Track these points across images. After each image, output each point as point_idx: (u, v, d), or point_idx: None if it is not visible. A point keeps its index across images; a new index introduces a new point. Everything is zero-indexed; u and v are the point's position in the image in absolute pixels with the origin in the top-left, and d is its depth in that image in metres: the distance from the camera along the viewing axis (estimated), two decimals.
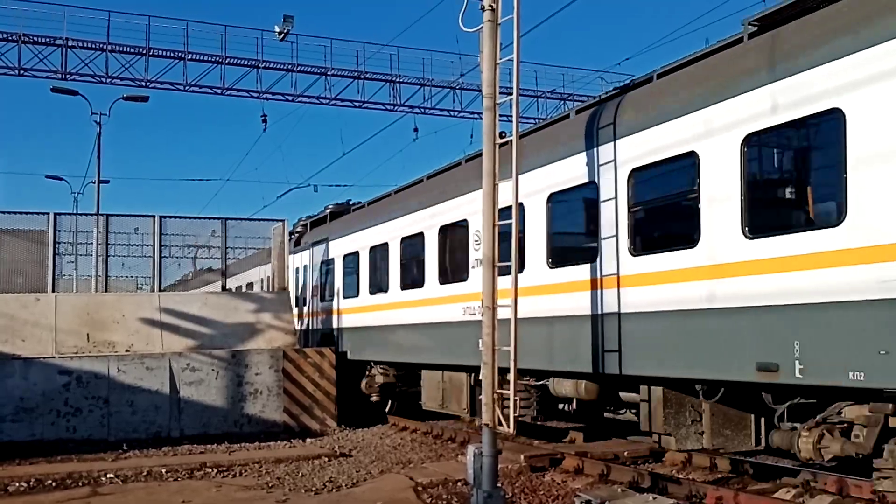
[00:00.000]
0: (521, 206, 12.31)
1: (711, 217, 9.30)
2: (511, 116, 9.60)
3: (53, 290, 18.26)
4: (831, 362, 7.73)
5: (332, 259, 21.01)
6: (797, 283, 8.09)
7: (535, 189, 12.31)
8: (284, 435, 16.45)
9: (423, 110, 30.97)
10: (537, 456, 12.57)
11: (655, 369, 9.97)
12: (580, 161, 11.58)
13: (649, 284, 10.08)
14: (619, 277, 10.59)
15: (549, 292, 12.01)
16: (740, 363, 8.70)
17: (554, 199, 12.18)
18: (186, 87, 28.45)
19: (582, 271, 11.31)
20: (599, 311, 10.92)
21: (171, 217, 19.60)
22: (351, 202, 22.42)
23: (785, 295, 8.21)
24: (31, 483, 11.64)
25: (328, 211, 22.49)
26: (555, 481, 11.31)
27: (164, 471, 12.53)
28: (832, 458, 8.25)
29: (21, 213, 18.80)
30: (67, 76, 27.50)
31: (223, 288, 20.45)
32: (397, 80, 30.29)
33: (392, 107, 30.52)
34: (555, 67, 32.95)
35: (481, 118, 9.61)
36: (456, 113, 31.29)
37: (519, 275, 9.46)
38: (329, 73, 29.47)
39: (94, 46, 27.15)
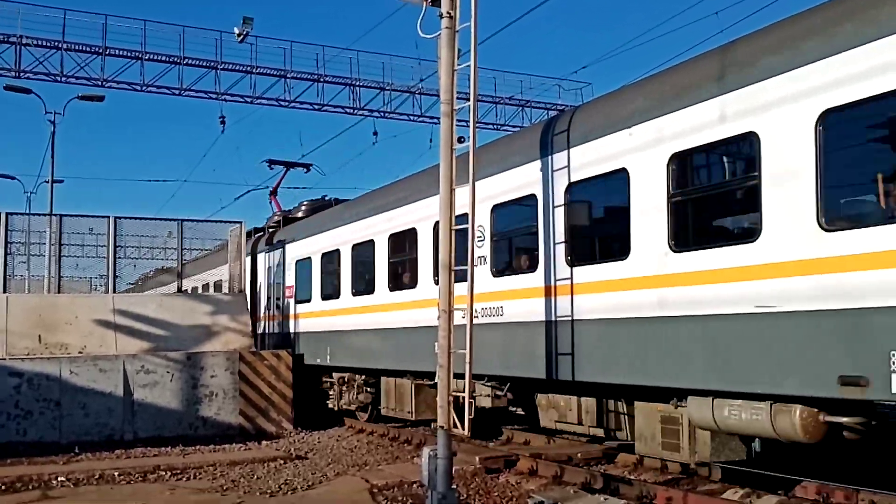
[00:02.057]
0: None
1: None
2: (469, 122, 9.76)
3: (4, 291, 17.97)
4: None
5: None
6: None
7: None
8: (240, 437, 16.37)
9: (382, 114, 31.00)
10: (492, 458, 12.70)
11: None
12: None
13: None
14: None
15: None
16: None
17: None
18: (143, 88, 28.12)
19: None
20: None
21: (126, 218, 19.43)
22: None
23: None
24: None
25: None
26: (509, 483, 11.44)
27: (116, 474, 12.42)
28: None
29: None
30: (21, 74, 27.02)
31: (179, 289, 20.28)
32: (357, 83, 30.28)
33: (352, 110, 30.51)
34: (513, 74, 33.17)
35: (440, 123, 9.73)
36: (416, 117, 31.37)
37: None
38: (288, 75, 29.35)
39: (49, 45, 26.70)
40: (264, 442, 16.09)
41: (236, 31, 27.11)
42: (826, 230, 7.60)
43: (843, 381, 7.38)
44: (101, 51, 27.17)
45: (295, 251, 20.41)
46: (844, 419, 7.93)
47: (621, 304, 9.88)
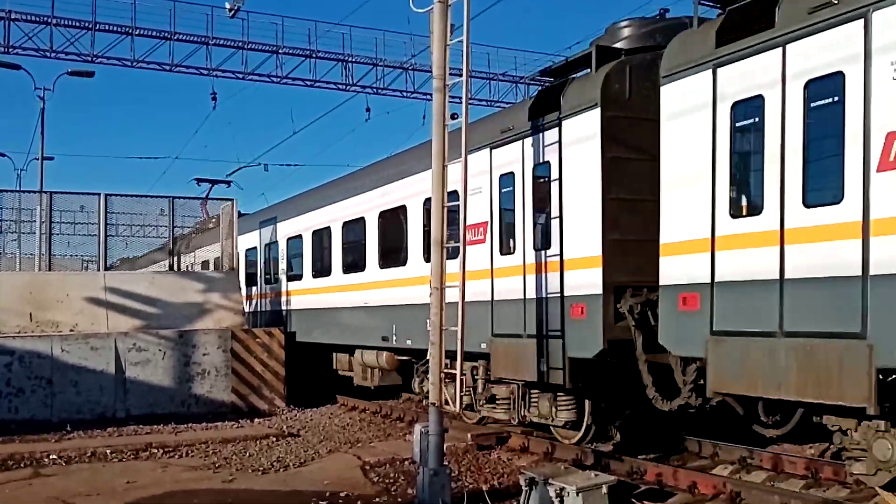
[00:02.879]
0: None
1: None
2: (462, 98, 9.66)
3: None
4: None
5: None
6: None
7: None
8: (232, 415, 16.37)
9: (375, 90, 30.76)
10: (484, 434, 12.73)
11: None
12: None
13: None
14: None
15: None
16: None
17: None
18: (134, 63, 27.79)
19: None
20: None
21: (117, 195, 19.29)
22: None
23: None
24: None
25: None
26: (501, 459, 11.48)
27: (108, 451, 12.42)
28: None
29: None
30: (10, 50, 26.66)
31: (171, 267, 20.20)
32: (349, 59, 30.01)
33: (344, 86, 30.26)
34: (507, 50, 33.05)
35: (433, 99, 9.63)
36: (408, 94, 31.14)
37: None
38: (280, 51, 29.07)
39: (37, 19, 26.35)
40: (257, 419, 16.09)
41: (227, 6, 26.79)
42: None
43: None
44: (90, 26, 26.81)
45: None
46: None
47: None
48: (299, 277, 19.68)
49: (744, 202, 8.41)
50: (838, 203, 7.33)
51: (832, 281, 7.35)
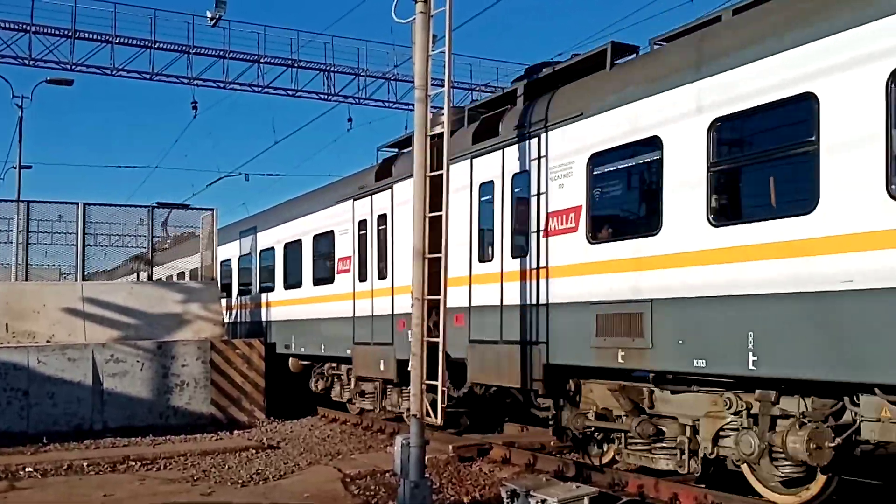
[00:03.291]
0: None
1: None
2: (444, 108, 9.66)
3: None
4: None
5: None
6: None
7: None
8: (212, 427, 16.22)
9: (357, 100, 30.77)
10: (466, 446, 12.68)
11: None
12: None
13: None
14: None
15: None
16: None
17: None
18: (114, 72, 27.65)
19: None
20: None
21: (96, 204, 19.10)
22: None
23: None
24: None
25: None
26: (482, 471, 11.43)
27: (85, 464, 12.25)
28: None
29: None
30: None
31: (150, 277, 20.03)
32: (331, 69, 30.00)
33: (326, 96, 30.23)
34: (489, 61, 33.10)
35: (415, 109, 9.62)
36: (391, 104, 31.16)
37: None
38: (262, 60, 29.00)
39: (16, 27, 26.16)
40: (236, 431, 15.96)
41: (209, 14, 26.78)
42: None
43: None
44: (70, 34, 26.66)
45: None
46: None
47: None
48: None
49: (486, 252, 11.88)
50: (525, 256, 11.03)
51: (524, 308, 10.89)
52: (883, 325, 6.81)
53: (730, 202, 8.61)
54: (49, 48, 26.70)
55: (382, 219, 14.85)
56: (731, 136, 8.57)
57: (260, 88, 29.52)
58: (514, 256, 11.31)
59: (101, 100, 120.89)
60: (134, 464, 12.42)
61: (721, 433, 8.88)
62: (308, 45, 29.47)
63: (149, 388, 16.42)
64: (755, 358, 7.81)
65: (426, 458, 8.96)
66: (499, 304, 11.44)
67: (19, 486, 10.87)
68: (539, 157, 10.93)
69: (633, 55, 10.84)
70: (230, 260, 23.12)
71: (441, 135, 12.94)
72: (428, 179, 9.35)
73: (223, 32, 28.36)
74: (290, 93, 29.92)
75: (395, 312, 14.10)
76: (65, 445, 14.16)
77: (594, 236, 10.01)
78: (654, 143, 9.19)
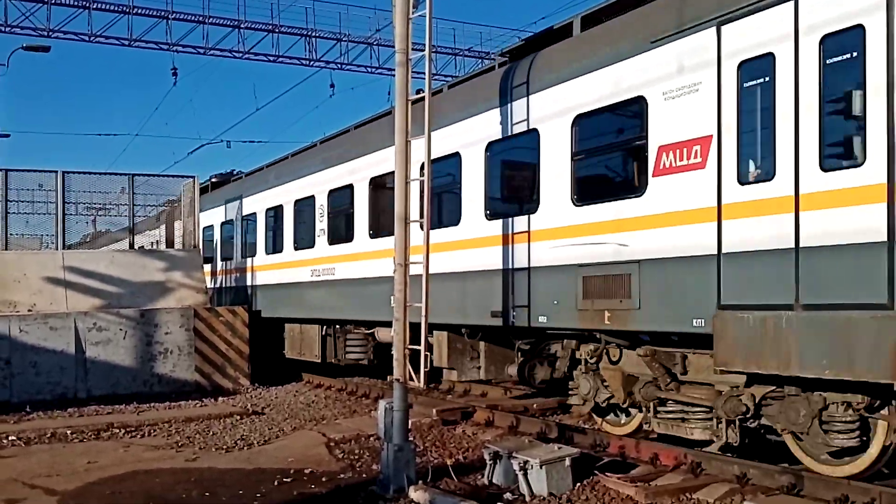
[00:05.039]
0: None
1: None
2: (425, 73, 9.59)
3: None
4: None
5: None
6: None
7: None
8: (196, 394, 16.24)
9: (339, 66, 30.56)
10: (449, 409, 12.77)
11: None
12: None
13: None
14: None
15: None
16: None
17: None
18: (91, 38, 27.28)
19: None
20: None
21: (75, 173, 18.90)
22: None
23: None
24: None
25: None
26: (465, 434, 11.52)
27: (69, 432, 12.25)
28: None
29: None
30: None
31: (131, 245, 19.91)
32: (313, 34, 29.73)
33: (308, 62, 29.99)
34: (472, 25, 32.95)
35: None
36: (373, 69, 30.99)
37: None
38: (242, 25, 28.69)
39: None
40: (221, 398, 15.98)
41: None
42: None
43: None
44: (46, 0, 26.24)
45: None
46: None
47: None
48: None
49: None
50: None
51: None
52: None
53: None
54: (25, 14, 26.31)
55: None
56: None
57: (241, 54, 29.24)
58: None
59: (78, 67, 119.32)
60: (118, 431, 12.43)
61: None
62: (289, 10, 29.39)
63: (132, 357, 16.39)
64: None
65: (410, 421, 9.03)
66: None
67: (2, 455, 10.85)
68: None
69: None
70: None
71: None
72: (410, 144, 9.31)
73: None
74: (271, 58, 29.67)
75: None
76: (48, 414, 14.15)
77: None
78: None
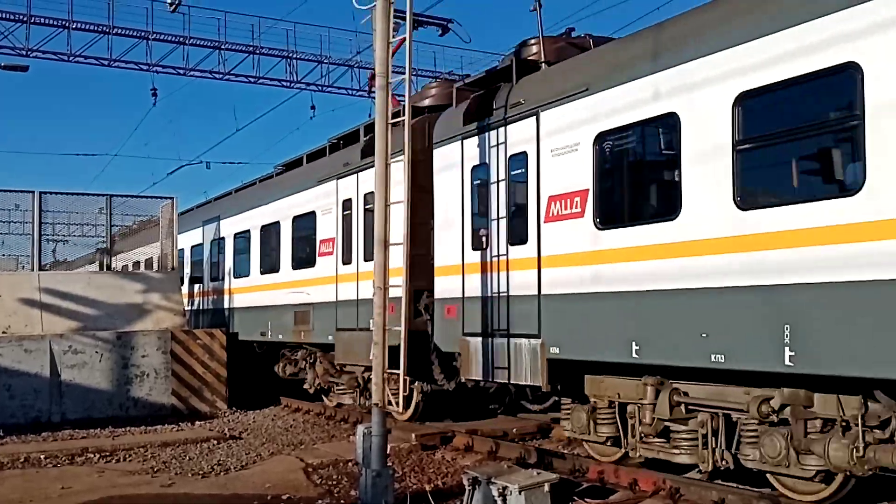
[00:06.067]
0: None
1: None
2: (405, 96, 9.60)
3: None
4: None
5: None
6: None
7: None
8: (173, 418, 16.05)
9: (320, 88, 30.53)
10: (429, 434, 12.69)
11: None
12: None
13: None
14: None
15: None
16: None
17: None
18: (71, 58, 27.10)
19: None
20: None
21: (52, 193, 18.73)
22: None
23: None
24: None
25: None
26: (445, 459, 11.45)
27: (42, 457, 12.06)
28: None
29: None
30: None
31: (108, 267, 19.74)
32: (294, 56, 29.73)
33: (288, 83, 29.94)
34: (453, 49, 32.93)
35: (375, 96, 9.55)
36: (354, 91, 30.98)
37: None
38: (223, 46, 28.62)
39: None
40: (198, 422, 15.81)
41: (168, 0, 26.33)
42: None
43: None
44: (25, 18, 26.10)
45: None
46: None
47: None
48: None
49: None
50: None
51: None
52: None
53: None
54: (4, 33, 26.12)
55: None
56: None
57: (221, 75, 29.15)
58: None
59: (57, 87, 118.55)
60: (93, 456, 12.24)
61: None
62: (270, 32, 29.28)
63: (108, 380, 16.20)
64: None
65: (389, 446, 8.96)
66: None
67: None
68: None
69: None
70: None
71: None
72: (391, 167, 9.31)
73: (183, 18, 27.93)
74: (251, 80, 29.61)
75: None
76: (21, 438, 13.93)
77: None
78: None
